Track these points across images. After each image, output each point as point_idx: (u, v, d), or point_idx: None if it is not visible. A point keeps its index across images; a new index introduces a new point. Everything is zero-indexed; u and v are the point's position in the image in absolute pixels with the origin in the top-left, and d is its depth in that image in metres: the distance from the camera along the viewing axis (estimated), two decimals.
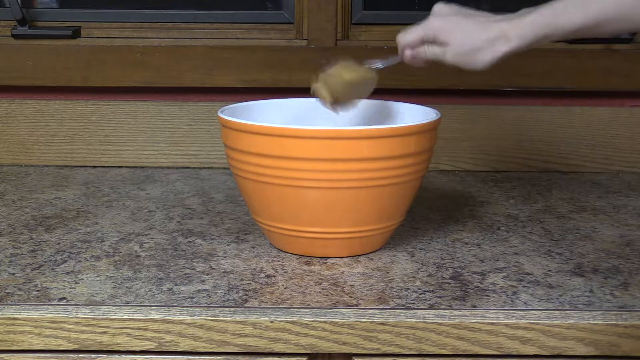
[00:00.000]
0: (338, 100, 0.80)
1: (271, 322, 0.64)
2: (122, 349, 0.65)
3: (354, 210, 0.74)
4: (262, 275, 0.73)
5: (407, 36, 0.77)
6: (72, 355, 0.66)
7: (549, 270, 0.75)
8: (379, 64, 0.80)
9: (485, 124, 1.16)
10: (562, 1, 0.68)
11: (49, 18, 1.19)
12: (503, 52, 0.71)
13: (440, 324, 0.64)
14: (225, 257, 0.78)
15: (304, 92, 0.96)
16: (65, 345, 0.65)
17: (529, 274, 0.74)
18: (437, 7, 0.75)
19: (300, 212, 0.75)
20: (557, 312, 0.66)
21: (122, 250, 0.80)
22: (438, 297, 0.68)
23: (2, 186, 1.06)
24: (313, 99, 0.91)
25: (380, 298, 0.68)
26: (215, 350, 0.65)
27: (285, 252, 0.79)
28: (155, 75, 1.14)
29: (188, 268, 0.75)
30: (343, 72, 0.79)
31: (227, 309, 0.65)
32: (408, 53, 0.77)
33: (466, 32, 0.72)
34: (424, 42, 0.75)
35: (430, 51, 0.75)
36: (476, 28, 0.72)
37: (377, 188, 0.73)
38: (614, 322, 0.64)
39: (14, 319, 0.64)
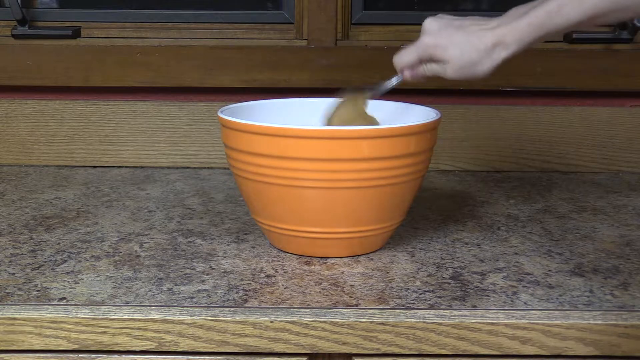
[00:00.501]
0: None
1: (271, 322, 0.64)
2: (122, 349, 0.65)
3: (354, 210, 0.74)
4: (262, 275, 0.73)
5: (404, 58, 0.77)
6: (72, 355, 0.66)
7: (549, 270, 0.75)
8: (382, 89, 0.81)
9: (485, 124, 1.16)
10: None
11: (49, 18, 1.19)
12: (503, 59, 0.71)
13: (440, 324, 0.64)
14: (225, 257, 0.78)
15: (304, 92, 0.96)
16: (65, 345, 0.65)
17: (529, 274, 0.74)
18: (427, 23, 0.74)
19: (300, 212, 0.74)
20: (557, 312, 0.66)
21: (122, 250, 0.80)
22: (438, 297, 0.68)
23: (2, 186, 1.06)
24: (313, 99, 0.92)
25: (380, 298, 0.68)
26: (215, 350, 0.65)
27: (285, 252, 0.79)
28: (155, 75, 1.14)
29: (188, 268, 0.75)
30: None
31: (227, 309, 0.65)
32: (407, 74, 0.78)
33: (462, 47, 0.71)
34: (421, 61, 0.75)
35: (430, 69, 0.75)
36: (471, 40, 0.71)
37: (377, 188, 0.73)
38: (614, 322, 0.64)
39: (14, 319, 0.64)
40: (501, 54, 0.70)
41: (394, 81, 0.80)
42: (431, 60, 0.74)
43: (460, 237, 0.85)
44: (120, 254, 0.79)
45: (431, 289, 0.70)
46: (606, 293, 0.70)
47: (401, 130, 0.73)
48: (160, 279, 0.72)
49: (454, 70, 0.73)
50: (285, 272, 0.74)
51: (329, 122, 0.82)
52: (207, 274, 0.73)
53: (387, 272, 0.74)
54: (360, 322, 0.64)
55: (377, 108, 0.90)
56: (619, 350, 0.65)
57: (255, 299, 0.67)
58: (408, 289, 0.70)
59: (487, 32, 0.70)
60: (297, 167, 0.72)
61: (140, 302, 0.66)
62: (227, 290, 0.69)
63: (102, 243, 0.82)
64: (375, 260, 0.78)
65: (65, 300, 0.67)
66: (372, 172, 0.72)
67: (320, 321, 0.64)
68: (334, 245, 0.77)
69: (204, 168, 1.17)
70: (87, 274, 0.73)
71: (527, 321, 0.64)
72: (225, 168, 1.16)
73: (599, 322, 0.64)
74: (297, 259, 0.78)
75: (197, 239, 0.84)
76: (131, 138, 1.17)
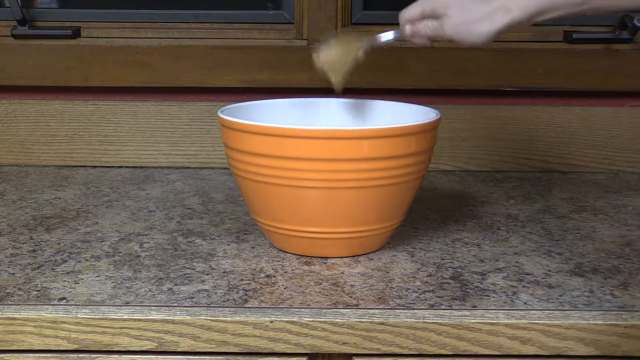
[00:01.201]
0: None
1: (271, 322, 0.64)
2: (122, 349, 0.65)
3: (354, 210, 0.74)
4: (262, 275, 0.73)
5: (407, 12, 0.77)
6: (72, 355, 0.66)
7: (549, 270, 0.75)
8: (380, 40, 0.81)
9: (485, 124, 1.16)
10: None
11: (49, 18, 1.19)
12: (503, 24, 0.69)
13: (440, 324, 0.64)
14: (225, 257, 0.78)
15: (304, 92, 0.96)
16: (65, 345, 0.65)
17: (529, 274, 0.74)
18: None
19: (300, 212, 0.74)
20: (557, 312, 0.66)
21: (122, 250, 0.80)
22: (438, 297, 0.68)
23: (2, 186, 1.06)
24: (313, 99, 0.92)
25: (380, 298, 0.68)
26: (215, 350, 0.65)
27: (285, 252, 0.79)
28: (155, 75, 1.14)
29: (188, 268, 0.75)
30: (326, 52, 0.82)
31: (227, 309, 0.65)
32: (408, 28, 0.77)
33: (464, 4, 0.71)
34: (424, 17, 0.75)
35: (430, 25, 0.75)
36: (475, 0, 0.71)
37: (377, 188, 0.73)
38: (614, 322, 0.64)
39: (14, 319, 0.64)
40: (503, 19, 0.69)
41: (393, 34, 0.80)
42: (433, 16, 0.74)
43: (460, 237, 0.85)
44: (120, 254, 0.79)
45: (431, 289, 0.70)
46: (606, 293, 0.70)
47: (401, 130, 0.73)
48: (160, 279, 0.72)
49: (452, 27, 0.72)
50: (285, 272, 0.74)
51: (318, 57, 0.82)
52: (207, 274, 0.73)
53: (387, 272, 0.74)
54: (360, 322, 0.64)
55: (377, 108, 0.90)
56: (619, 350, 0.65)
57: (255, 299, 0.67)
58: (408, 289, 0.70)
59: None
60: (297, 167, 0.72)
61: (140, 302, 0.66)
62: (227, 290, 0.69)
63: (102, 243, 0.82)
64: (375, 260, 0.78)
65: (65, 300, 0.67)
66: (373, 172, 0.72)
67: (320, 321, 0.64)
68: (334, 245, 0.77)
69: (204, 168, 1.17)
70: (87, 274, 0.73)
71: (527, 321, 0.64)
72: (225, 168, 1.16)
73: (599, 322, 0.64)
74: (297, 259, 0.78)
75: (197, 239, 0.84)
76: (131, 138, 1.17)
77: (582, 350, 0.65)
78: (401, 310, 0.65)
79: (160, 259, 0.77)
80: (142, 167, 1.17)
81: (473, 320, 0.64)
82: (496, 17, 0.69)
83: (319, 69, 0.83)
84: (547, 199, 1.02)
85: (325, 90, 1.09)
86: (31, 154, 1.18)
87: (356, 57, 0.82)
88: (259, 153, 0.73)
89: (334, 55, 0.82)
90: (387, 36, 0.81)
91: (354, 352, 0.65)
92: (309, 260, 0.77)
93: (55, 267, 0.75)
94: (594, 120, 1.16)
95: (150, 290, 0.69)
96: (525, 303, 0.67)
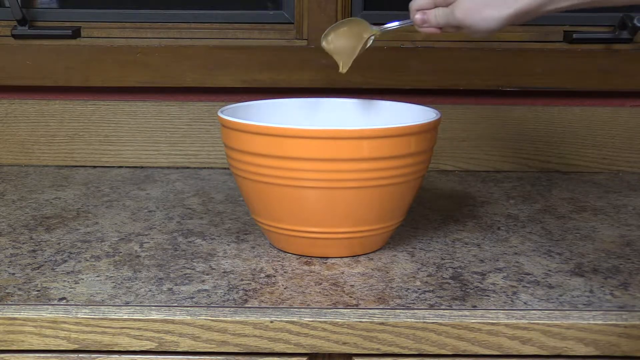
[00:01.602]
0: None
1: (271, 322, 0.64)
2: (122, 349, 0.65)
3: (354, 210, 0.74)
4: (262, 275, 0.73)
5: (418, 0, 0.77)
6: (72, 355, 0.66)
7: (549, 270, 0.76)
8: (389, 26, 0.82)
9: (485, 124, 1.16)
10: None
11: (49, 18, 1.19)
12: (514, 9, 0.69)
13: (440, 324, 0.64)
14: (225, 257, 0.78)
15: (304, 92, 0.96)
16: (65, 345, 0.65)
17: (529, 274, 0.74)
18: None
19: (300, 212, 0.74)
20: (557, 312, 0.66)
21: (122, 250, 0.80)
22: (438, 297, 0.68)
23: (2, 186, 1.06)
24: (313, 99, 0.92)
25: (380, 298, 0.68)
26: (215, 350, 0.65)
27: (285, 252, 0.79)
28: (155, 75, 1.14)
29: (188, 268, 0.75)
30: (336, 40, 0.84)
31: (227, 309, 0.65)
32: (418, 17, 0.77)
33: None
34: (435, 5, 0.75)
35: (440, 13, 0.75)
36: None
37: (377, 188, 0.73)
38: (614, 322, 0.64)
39: (14, 319, 0.64)
40: (514, 4, 0.69)
41: (401, 23, 0.81)
42: (444, 4, 0.74)
43: (460, 237, 0.85)
44: (120, 254, 0.79)
45: (431, 289, 0.70)
46: (606, 293, 0.70)
47: (401, 130, 0.73)
48: (160, 279, 0.72)
49: (463, 11, 0.72)
50: (285, 272, 0.74)
51: (327, 42, 0.83)
52: (207, 274, 0.73)
53: (387, 272, 0.74)
54: (360, 322, 0.64)
55: (377, 108, 0.90)
56: (619, 350, 0.65)
57: (255, 299, 0.67)
58: (408, 289, 0.70)
59: None
60: (297, 167, 0.72)
61: (140, 302, 0.66)
62: (227, 290, 0.69)
63: (102, 243, 0.82)
64: (375, 260, 0.78)
65: (65, 300, 0.67)
66: (373, 172, 0.72)
67: (320, 321, 0.64)
68: (334, 245, 0.77)
69: (204, 168, 1.17)
70: (87, 274, 0.73)
71: (527, 321, 0.64)
72: (225, 168, 1.16)
73: (599, 322, 0.64)
74: (297, 259, 0.78)
75: (197, 239, 0.84)
76: (131, 138, 1.17)
77: (582, 350, 0.65)
78: (401, 310, 0.65)
79: (160, 259, 0.77)
80: (142, 167, 1.17)
81: (473, 320, 0.64)
82: (507, 2, 0.69)
83: (327, 51, 0.83)
84: (547, 199, 1.02)
85: (325, 90, 1.10)
86: (31, 154, 1.18)
87: (365, 44, 0.82)
88: (259, 153, 0.73)
89: (343, 42, 0.83)
90: (395, 25, 0.81)
91: (354, 352, 0.65)
92: (309, 260, 0.77)
93: (55, 267, 0.75)
94: (593, 120, 1.16)
95: (150, 290, 0.69)
96: (525, 303, 0.67)
